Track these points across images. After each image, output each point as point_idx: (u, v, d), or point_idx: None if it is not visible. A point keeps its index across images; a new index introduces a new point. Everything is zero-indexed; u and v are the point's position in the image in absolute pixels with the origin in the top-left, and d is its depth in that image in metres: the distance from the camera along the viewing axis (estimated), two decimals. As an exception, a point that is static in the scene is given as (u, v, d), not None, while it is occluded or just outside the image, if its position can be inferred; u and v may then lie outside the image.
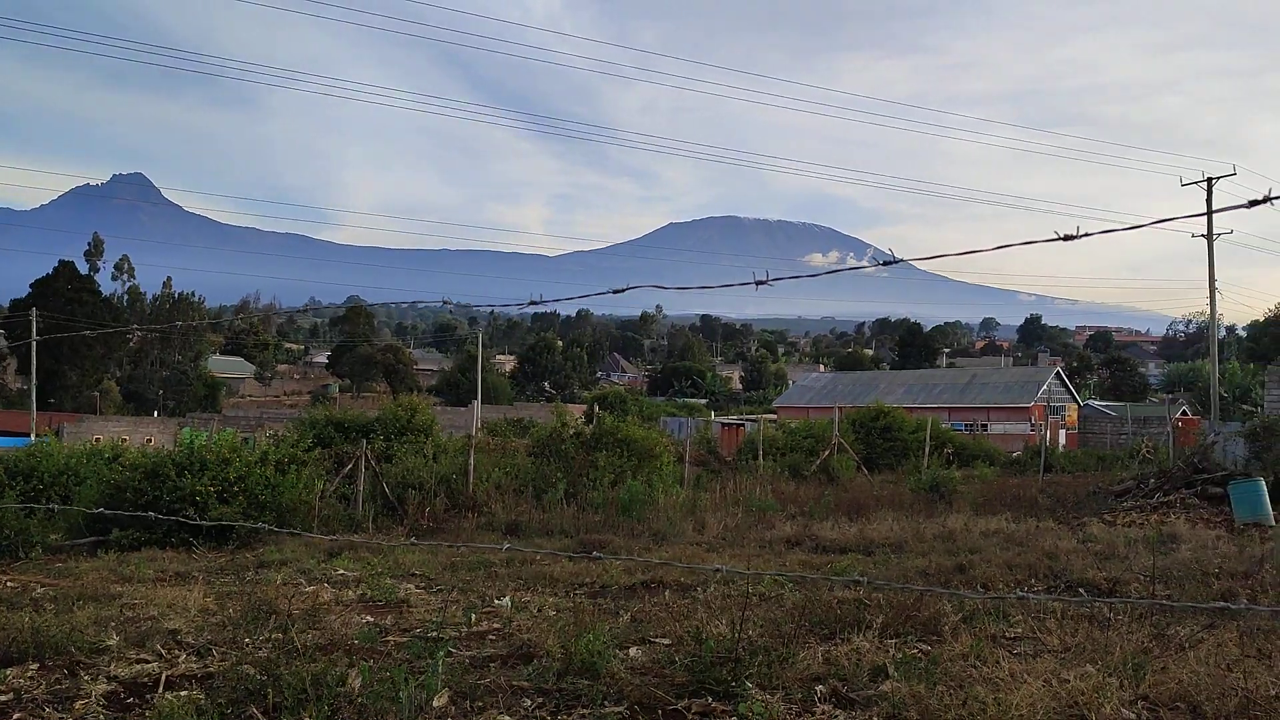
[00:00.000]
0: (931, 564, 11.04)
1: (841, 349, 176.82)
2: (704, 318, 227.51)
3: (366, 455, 18.30)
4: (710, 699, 5.43)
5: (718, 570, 4.86)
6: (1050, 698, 5.10)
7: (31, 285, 79.55)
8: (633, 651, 6.63)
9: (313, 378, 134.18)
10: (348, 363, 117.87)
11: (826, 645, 6.60)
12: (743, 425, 50.84)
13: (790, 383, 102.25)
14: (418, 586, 10.05)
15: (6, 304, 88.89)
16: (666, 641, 6.88)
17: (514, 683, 5.77)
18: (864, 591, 8.48)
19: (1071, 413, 66.68)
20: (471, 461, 18.82)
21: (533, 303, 4.09)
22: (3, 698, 5.50)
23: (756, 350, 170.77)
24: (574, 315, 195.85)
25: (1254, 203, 3.47)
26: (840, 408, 37.63)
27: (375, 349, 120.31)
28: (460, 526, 16.50)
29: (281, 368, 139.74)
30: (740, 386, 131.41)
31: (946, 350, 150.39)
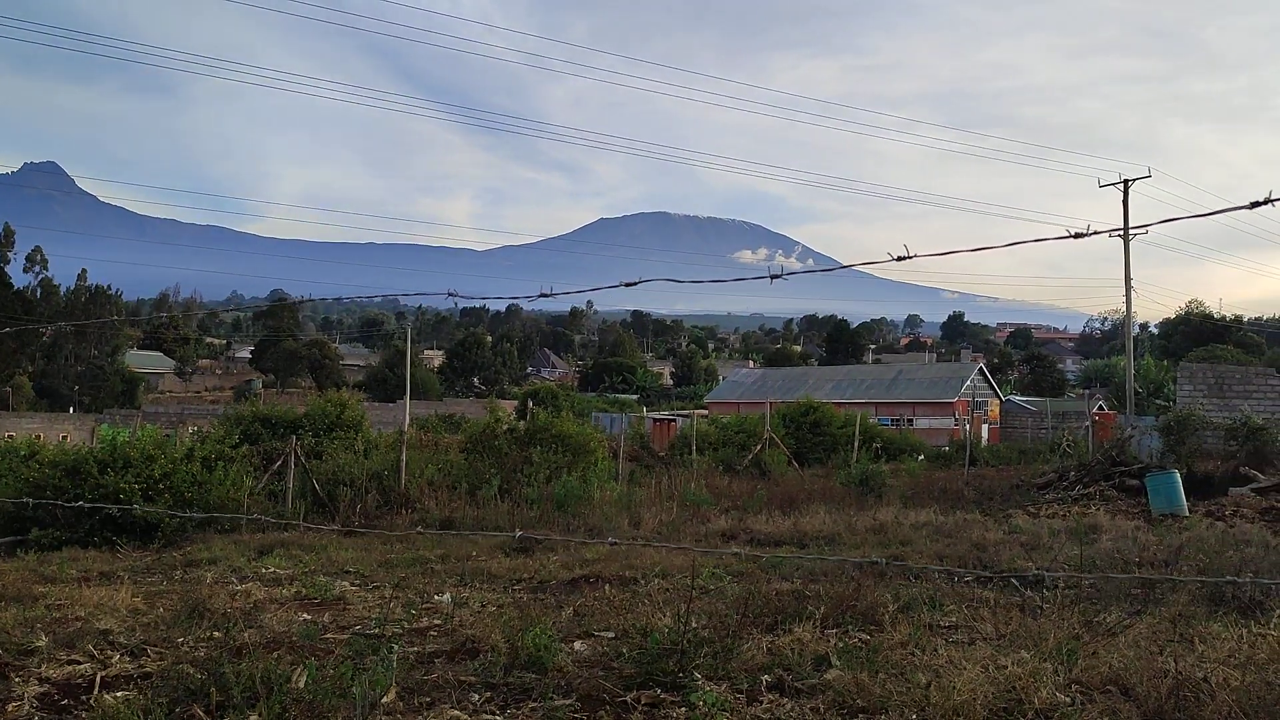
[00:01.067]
0: (866, 556, 11.24)
1: (770, 345, 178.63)
2: (634, 314, 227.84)
3: (296, 451, 18.00)
4: (658, 690, 5.48)
5: (684, 547, 4.89)
6: (988, 683, 5.25)
7: (-62, 277, 76.49)
8: (578, 645, 6.65)
9: (235, 373, 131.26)
10: (272, 358, 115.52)
11: (770, 636, 6.68)
12: (675, 421, 51.07)
13: (721, 379, 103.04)
14: (353, 584, 9.93)
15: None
16: (611, 635, 6.91)
17: (461, 678, 5.75)
18: (802, 583, 8.61)
19: (994, 408, 68.31)
20: (404, 457, 18.62)
21: (543, 295, 4.06)
22: (-76, 704, 5.31)
23: (687, 346, 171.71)
24: (503, 310, 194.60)
25: (1255, 204, 3.59)
26: (771, 403, 38.03)
27: (300, 344, 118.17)
28: (393, 523, 16.31)
29: (203, 363, 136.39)
30: (671, 382, 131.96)
31: (873, 346, 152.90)
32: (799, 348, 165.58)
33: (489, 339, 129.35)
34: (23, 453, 19.56)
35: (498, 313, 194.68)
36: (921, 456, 35.35)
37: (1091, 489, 18.77)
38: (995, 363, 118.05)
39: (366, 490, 17.66)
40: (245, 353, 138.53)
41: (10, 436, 32.53)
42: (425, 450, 21.31)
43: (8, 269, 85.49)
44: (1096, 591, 8.59)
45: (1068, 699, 5.13)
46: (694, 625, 6.38)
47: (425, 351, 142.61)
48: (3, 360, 77.66)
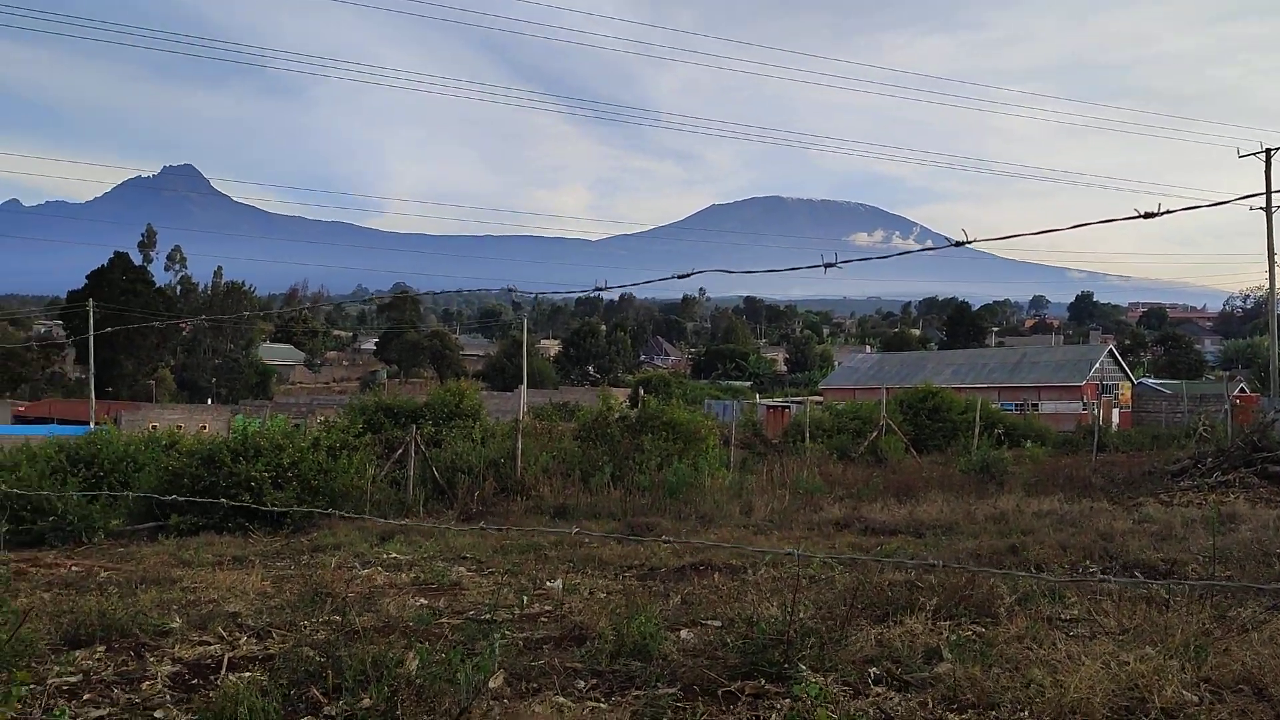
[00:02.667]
0: (983, 545, 10.94)
1: (888, 329, 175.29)
2: (748, 300, 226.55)
3: (416, 440, 18.49)
4: (763, 681, 5.44)
5: (790, 554, 4.83)
6: (1109, 680, 5.04)
7: (88, 277, 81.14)
8: (684, 633, 6.65)
9: (361, 364, 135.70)
10: (395, 349, 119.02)
11: (879, 628, 6.57)
12: (788, 407, 50.65)
13: (836, 364, 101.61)
14: (469, 569, 10.15)
15: (64, 296, 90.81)
16: (717, 623, 6.90)
17: (567, 664, 5.82)
18: (915, 574, 8.43)
19: (1125, 391, 65.58)
20: (519, 445, 18.94)
21: (680, 276, 4.05)
22: (72, 679, 5.65)
23: (801, 332, 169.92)
24: (617, 299, 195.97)
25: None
26: (887, 389, 37.32)
27: (422, 335, 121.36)
28: (509, 510, 16.62)
29: (330, 355, 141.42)
30: (785, 369, 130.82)
31: (995, 329, 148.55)
32: (918, 332, 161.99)
33: (603, 328, 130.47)
34: (164, 443, 20.62)
35: (612, 302, 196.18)
36: (1043, 444, 34.19)
37: (1230, 476, 17.85)
38: (1126, 344, 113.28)
39: (484, 477, 18.03)
40: (370, 344, 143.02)
41: (154, 427, 34.33)
42: (540, 438, 21.63)
43: (150, 268, 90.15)
44: (1232, 584, 8.17)
45: (1195, 698, 4.90)
46: (801, 615, 6.32)
47: (542, 341, 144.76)
48: (147, 355, 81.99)
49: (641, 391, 29.99)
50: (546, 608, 7.73)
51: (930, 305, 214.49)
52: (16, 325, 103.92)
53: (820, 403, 51.43)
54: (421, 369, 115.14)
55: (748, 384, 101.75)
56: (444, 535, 12.93)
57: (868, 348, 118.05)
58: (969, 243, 2.91)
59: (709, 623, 6.97)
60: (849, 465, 23.92)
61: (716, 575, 9.22)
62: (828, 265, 3.08)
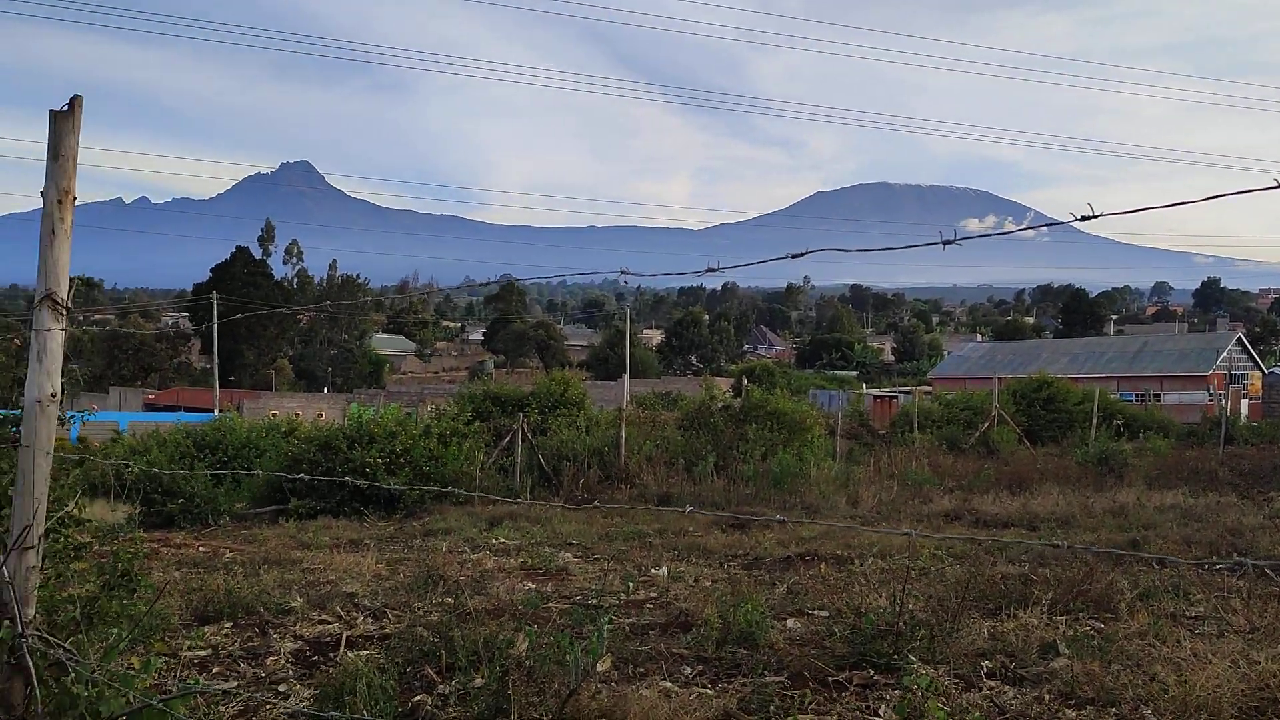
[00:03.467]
0: (1101, 539, 10.60)
1: (1000, 317, 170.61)
2: (853, 288, 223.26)
3: (523, 428, 18.79)
4: (872, 671, 5.38)
5: (906, 534, 4.78)
6: (1238, 679, 4.84)
7: (211, 270, 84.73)
8: (790, 623, 6.62)
9: (469, 354, 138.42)
10: (502, 339, 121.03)
11: (992, 621, 6.42)
12: (895, 397, 49.77)
13: (945, 353, 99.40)
14: (575, 555, 10.28)
15: (190, 289, 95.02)
16: (824, 613, 6.84)
17: (674, 650, 5.86)
18: (1030, 566, 8.22)
19: (1255, 381, 62.52)
20: (623, 434, 19.08)
21: (793, 256, 4.01)
22: (202, 652, 5.93)
23: (909, 320, 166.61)
24: (720, 289, 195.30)
25: None
26: (1000, 378, 36.34)
27: (528, 325, 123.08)
28: (614, 498, 16.77)
29: (440, 345, 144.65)
30: (892, 358, 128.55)
31: (1114, 317, 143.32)
32: (1031, 320, 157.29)
33: (706, 317, 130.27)
34: (283, 429, 21.43)
35: (715, 291, 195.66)
36: (1166, 436, 32.84)
37: (1371, 471, 16.88)
38: (1257, 332, 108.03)
39: (588, 465, 18.23)
40: (478, 334, 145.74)
41: (273, 415, 35.69)
42: (644, 427, 21.74)
43: (269, 261, 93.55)
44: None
45: (1332, 701, 4.66)
46: (911, 607, 6.22)
47: (644, 331, 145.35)
48: (267, 345, 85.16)
49: (745, 381, 29.85)
50: (652, 594, 7.78)
51: (1045, 293, 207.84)
52: (146, 317, 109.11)
53: (929, 393, 50.39)
54: (527, 358, 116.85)
55: (854, 373, 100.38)
56: (550, 521, 13.12)
57: (978, 336, 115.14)
58: (1093, 217, 2.81)
59: (816, 612, 6.92)
60: (959, 457, 23.38)
61: (823, 565, 9.14)
62: (946, 243, 3.00)
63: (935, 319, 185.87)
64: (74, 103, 3.25)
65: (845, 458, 21.61)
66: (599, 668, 5.05)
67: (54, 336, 3.15)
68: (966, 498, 15.38)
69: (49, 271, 3.17)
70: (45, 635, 3.12)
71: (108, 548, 4.10)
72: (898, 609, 5.93)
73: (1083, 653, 5.50)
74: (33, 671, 3.03)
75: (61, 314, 3.17)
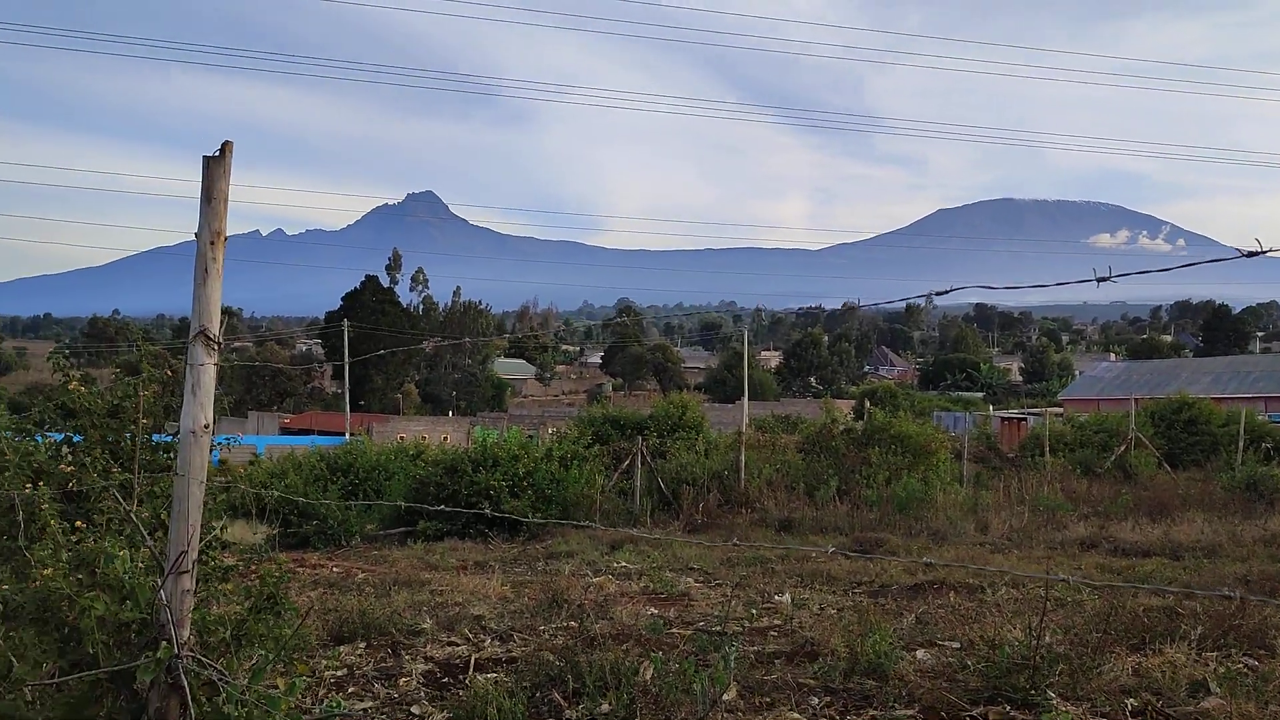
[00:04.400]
0: (1253, 570, 10.01)
1: (1135, 335, 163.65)
2: (978, 307, 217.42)
3: (642, 451, 18.86)
4: (1008, 707, 5.20)
5: (1054, 577, 4.62)
6: None
7: (342, 298, 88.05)
8: (920, 654, 6.45)
9: (588, 377, 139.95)
10: (620, 362, 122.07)
11: (1136, 656, 6.13)
12: (1025, 419, 48.15)
13: (1077, 373, 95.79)
14: (697, 580, 10.25)
15: (322, 316, 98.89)
16: (955, 645, 6.65)
17: (800, 680, 5.77)
18: (1175, 599, 7.82)
19: None
20: (742, 458, 18.97)
21: (938, 293, 3.96)
22: (338, 672, 6.11)
23: (1037, 339, 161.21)
24: (839, 309, 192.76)
25: None
26: (1136, 399, 34.82)
27: (645, 349, 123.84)
28: (734, 522, 16.65)
29: (559, 368, 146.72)
30: (1020, 379, 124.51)
31: (1260, 334, 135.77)
32: (1169, 338, 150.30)
33: (825, 338, 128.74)
34: (411, 453, 22.01)
35: (834, 311, 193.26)
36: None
37: None
38: None
39: (708, 489, 18.16)
40: (596, 358, 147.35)
41: (401, 438, 36.70)
42: (763, 450, 21.56)
43: (396, 289, 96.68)
44: None
45: None
46: (1048, 640, 5.99)
47: (762, 352, 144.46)
48: (395, 370, 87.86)
49: (867, 403, 29.36)
50: (776, 622, 7.69)
51: (1183, 309, 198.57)
52: (282, 344, 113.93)
53: (1060, 414, 48.60)
54: (645, 381, 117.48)
55: (979, 395, 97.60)
56: (670, 545, 13.12)
57: (1112, 356, 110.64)
58: (1261, 253, 2.66)
59: (946, 643, 6.73)
60: (1094, 481, 22.46)
61: (952, 594, 8.89)
62: (1100, 280, 2.88)
63: (1065, 338, 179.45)
64: (224, 148, 3.43)
65: (973, 482, 21.00)
66: (725, 696, 5.02)
67: (207, 370, 3.32)
68: (1103, 524, 14.75)
69: (202, 309, 3.34)
70: (199, 656, 3.27)
71: (252, 570, 4.29)
72: (1034, 641, 5.71)
73: (1236, 692, 5.20)
74: (188, 691, 3.18)
75: (214, 349, 3.34)
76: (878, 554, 11.67)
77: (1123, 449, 25.82)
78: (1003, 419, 49.54)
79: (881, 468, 19.11)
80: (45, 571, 3.58)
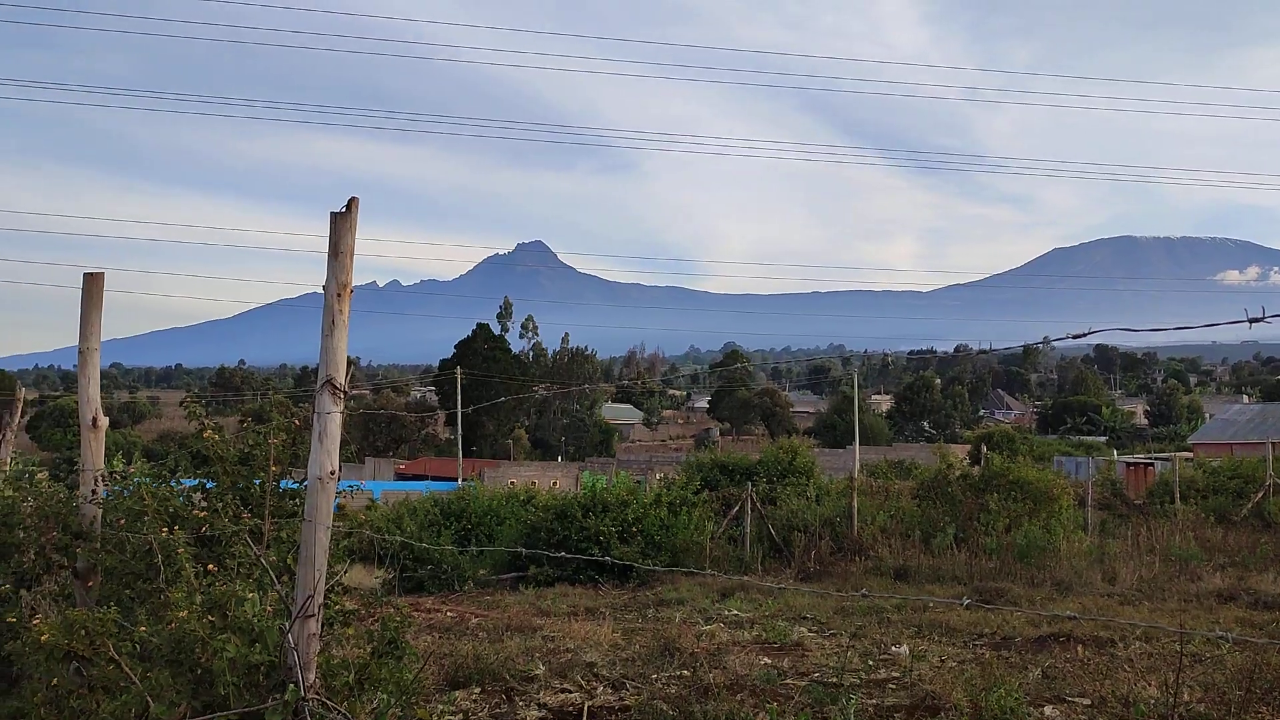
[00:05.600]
0: None
1: (1270, 376, 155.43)
2: (1098, 348, 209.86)
3: (752, 497, 18.68)
4: (1145, 770, 4.93)
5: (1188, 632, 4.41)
6: None
7: (455, 346, 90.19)
8: (1048, 710, 6.19)
9: (695, 422, 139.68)
10: (727, 407, 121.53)
11: (1284, 718, 5.76)
12: (1151, 464, 46.09)
13: (1207, 416, 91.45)
14: (810, 630, 10.05)
15: (436, 364, 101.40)
16: (1086, 701, 6.36)
17: (921, 736, 5.59)
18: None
19: None
20: (855, 504, 18.61)
21: (1074, 336, 3.83)
22: (453, 717, 6.18)
23: (1164, 381, 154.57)
24: (952, 351, 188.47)
25: None
26: (1274, 443, 33.03)
27: (752, 393, 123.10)
28: (847, 570, 16.31)
29: (666, 413, 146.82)
30: (1146, 422, 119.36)
31: None
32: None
33: (938, 381, 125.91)
34: (522, 498, 22.26)
35: (946, 354, 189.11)
36: None
37: None
38: None
39: (820, 536, 17.85)
40: (703, 403, 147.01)
41: (512, 484, 37.18)
42: (876, 496, 21.12)
43: (507, 336, 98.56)
44: None
45: None
46: (1186, 698, 5.68)
47: (872, 396, 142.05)
48: (505, 416, 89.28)
49: (984, 448, 28.54)
50: (894, 674, 7.49)
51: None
52: (397, 392, 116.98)
53: (1190, 459, 46.40)
54: (752, 426, 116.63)
55: (1102, 439, 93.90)
56: (782, 594, 12.91)
57: (1245, 398, 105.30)
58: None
59: (1076, 700, 6.44)
60: (1229, 530, 21.30)
61: (1080, 648, 8.51)
62: (1253, 320, 2.76)
63: (1193, 379, 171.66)
64: (351, 204, 3.57)
65: (1098, 530, 20.16)
66: (843, 751, 4.89)
67: (333, 419, 3.44)
68: (1241, 575, 13.97)
69: (329, 359, 3.47)
70: (324, 699, 3.35)
71: (373, 614, 4.38)
72: (1171, 699, 5.42)
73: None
74: (313, 732, 3.26)
75: (340, 398, 3.46)
76: (999, 604, 11.27)
77: (1260, 495, 24.44)
78: (1128, 464, 47.52)
79: (1001, 515, 18.49)
80: (180, 614, 3.72)
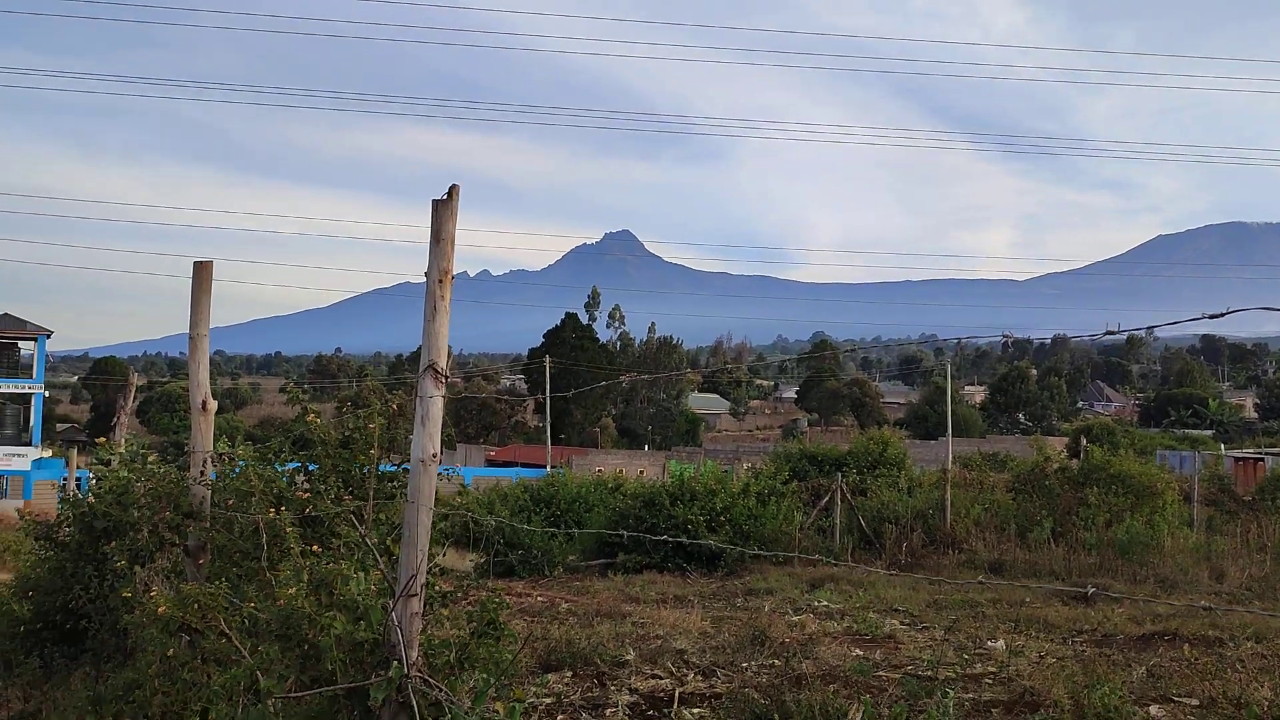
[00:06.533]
0: None
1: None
2: (1204, 338, 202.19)
3: (842, 488, 18.49)
4: (1259, 774, 4.75)
5: None
6: None
7: (544, 335, 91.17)
8: (1154, 709, 6.00)
9: (783, 412, 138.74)
10: (815, 397, 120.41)
11: None
12: (1262, 460, 44.27)
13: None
14: (902, 623, 9.91)
15: (525, 353, 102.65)
16: (1194, 702, 6.15)
17: (1020, 732, 5.47)
18: None
19: None
20: (948, 496, 18.27)
21: (1210, 316, 3.68)
22: (546, 699, 6.26)
23: (1275, 373, 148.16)
24: (1049, 341, 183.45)
25: None
26: (1396, 439, 31.39)
27: (841, 383, 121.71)
28: (939, 563, 16.04)
29: (753, 403, 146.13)
30: (1255, 415, 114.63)
31: None
32: None
33: (1034, 372, 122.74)
34: (610, 486, 22.40)
35: (1043, 344, 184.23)
36: None
37: None
38: None
39: (911, 528, 17.59)
40: (791, 393, 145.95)
41: (599, 471, 37.44)
42: (970, 489, 20.72)
43: (594, 326, 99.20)
44: None
45: None
46: (1303, 702, 5.45)
47: (966, 388, 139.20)
48: (593, 405, 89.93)
49: (1084, 440, 27.77)
50: (990, 669, 7.34)
51: None
52: (487, 380, 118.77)
53: (1304, 454, 44.41)
54: (841, 416, 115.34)
55: (1208, 433, 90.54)
56: (873, 585, 12.76)
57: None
58: None
59: (1183, 699, 6.23)
60: (1348, 528, 20.34)
61: (1186, 647, 8.22)
62: None
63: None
64: (452, 191, 3.63)
65: (1204, 527, 19.44)
66: (940, 745, 4.81)
67: (435, 403, 3.50)
68: (1362, 577, 13.33)
69: (430, 344, 3.54)
70: (425, 677, 3.43)
71: (470, 596, 4.46)
72: (1288, 704, 5.21)
73: None
74: (416, 711, 3.34)
75: (442, 382, 3.52)
76: (1099, 601, 10.96)
77: (1382, 493, 23.27)
78: (1236, 459, 45.73)
79: (1101, 509, 17.96)
80: (289, 591, 3.84)
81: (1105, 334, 3.82)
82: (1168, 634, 8.93)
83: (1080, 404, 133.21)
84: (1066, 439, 60.71)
